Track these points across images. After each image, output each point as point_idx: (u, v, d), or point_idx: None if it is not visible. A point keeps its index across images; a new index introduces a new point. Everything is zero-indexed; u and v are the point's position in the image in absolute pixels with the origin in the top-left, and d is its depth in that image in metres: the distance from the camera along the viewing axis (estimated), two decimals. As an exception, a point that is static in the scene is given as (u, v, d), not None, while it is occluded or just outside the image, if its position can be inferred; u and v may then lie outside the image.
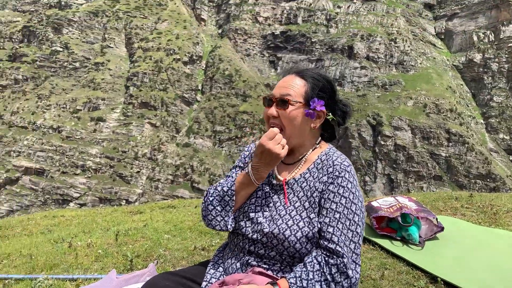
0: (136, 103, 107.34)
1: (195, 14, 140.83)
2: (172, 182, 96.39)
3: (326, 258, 1.52)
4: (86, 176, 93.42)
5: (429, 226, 3.62)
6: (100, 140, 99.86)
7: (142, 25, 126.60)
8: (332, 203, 1.60)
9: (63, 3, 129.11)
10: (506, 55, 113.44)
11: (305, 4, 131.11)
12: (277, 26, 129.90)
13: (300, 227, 1.60)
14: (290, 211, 1.64)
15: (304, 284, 1.49)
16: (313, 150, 1.76)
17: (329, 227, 1.57)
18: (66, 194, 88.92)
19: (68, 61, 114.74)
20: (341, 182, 1.62)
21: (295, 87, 1.71)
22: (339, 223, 1.56)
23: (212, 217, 1.72)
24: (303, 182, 1.70)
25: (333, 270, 1.50)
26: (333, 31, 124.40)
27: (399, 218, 3.51)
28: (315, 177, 1.69)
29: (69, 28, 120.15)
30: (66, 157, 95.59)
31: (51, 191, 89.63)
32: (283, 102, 1.69)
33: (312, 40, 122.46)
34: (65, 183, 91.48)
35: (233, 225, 1.73)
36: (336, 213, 1.58)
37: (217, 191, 1.74)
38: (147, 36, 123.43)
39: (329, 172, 1.66)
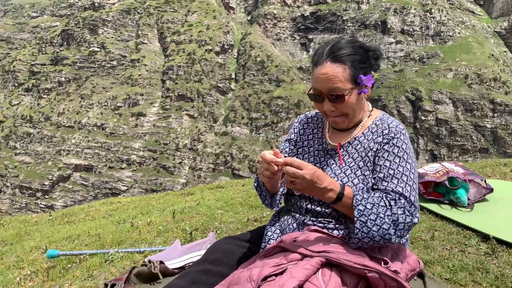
0: (173, 96, 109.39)
1: (224, 3, 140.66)
2: (214, 170, 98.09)
3: (386, 195, 1.59)
4: (131, 169, 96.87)
5: (478, 189, 3.59)
6: (142, 134, 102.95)
7: (173, 18, 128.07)
8: (386, 161, 1.63)
9: (96, 4, 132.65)
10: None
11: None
12: (306, 7, 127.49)
13: (355, 183, 1.64)
14: (345, 170, 1.69)
15: (369, 200, 1.55)
16: (368, 117, 1.80)
17: (383, 181, 1.61)
18: (114, 188, 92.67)
19: (105, 60, 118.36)
20: (396, 143, 1.66)
21: (338, 75, 1.63)
22: (394, 178, 1.60)
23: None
24: (358, 144, 1.73)
25: (392, 203, 1.55)
26: (365, 7, 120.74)
27: (446, 182, 3.48)
28: (369, 139, 1.72)
29: (104, 28, 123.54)
30: (112, 153, 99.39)
31: (100, 186, 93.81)
32: (337, 97, 1.65)
33: (344, 18, 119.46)
34: (112, 177, 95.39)
35: (279, 205, 1.85)
36: (390, 169, 1.62)
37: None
38: (178, 29, 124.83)
39: (384, 133, 1.70)
